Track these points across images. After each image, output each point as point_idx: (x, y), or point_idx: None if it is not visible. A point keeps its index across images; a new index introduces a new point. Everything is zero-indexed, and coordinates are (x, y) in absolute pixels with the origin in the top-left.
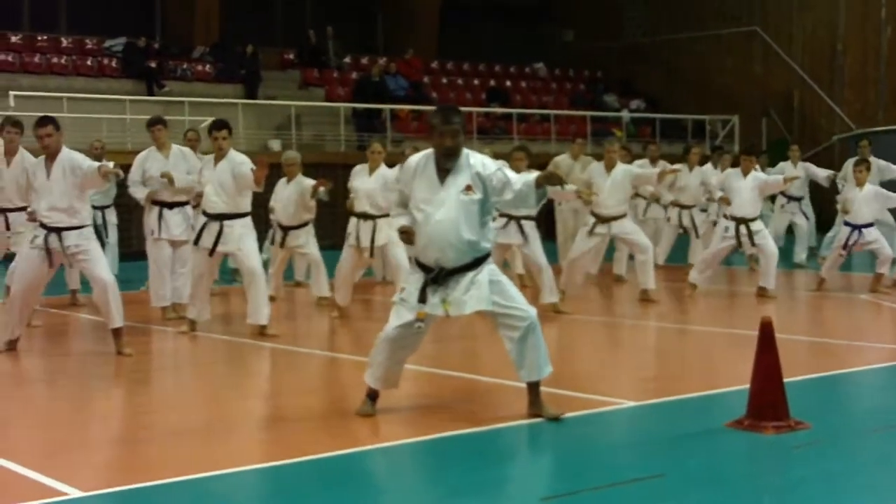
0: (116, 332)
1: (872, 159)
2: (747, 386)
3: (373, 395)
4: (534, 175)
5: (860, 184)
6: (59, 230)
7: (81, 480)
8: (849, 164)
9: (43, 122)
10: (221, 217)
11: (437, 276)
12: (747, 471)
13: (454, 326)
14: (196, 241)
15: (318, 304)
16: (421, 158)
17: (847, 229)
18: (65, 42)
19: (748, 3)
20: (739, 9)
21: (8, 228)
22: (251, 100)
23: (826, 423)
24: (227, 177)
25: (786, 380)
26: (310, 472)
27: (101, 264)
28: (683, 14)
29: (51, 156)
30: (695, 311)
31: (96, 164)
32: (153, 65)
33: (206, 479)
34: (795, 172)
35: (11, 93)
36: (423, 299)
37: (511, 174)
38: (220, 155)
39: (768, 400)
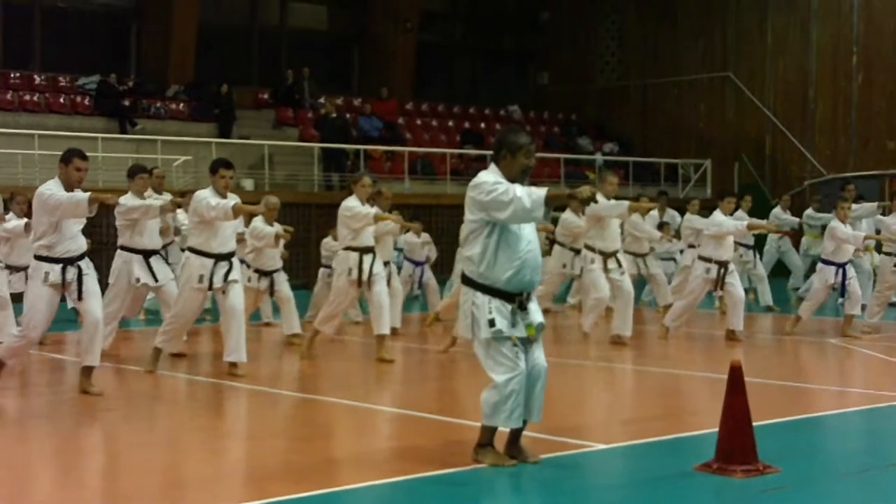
0: (87, 371)
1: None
2: (717, 429)
3: (490, 442)
4: None
5: (843, 219)
6: (73, 260)
7: None
8: (809, 211)
9: (85, 156)
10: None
11: (523, 301)
12: None
13: (432, 367)
14: (210, 282)
15: (289, 343)
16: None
17: (831, 269)
18: (38, 79)
19: (722, 49)
20: (713, 54)
21: None
22: (225, 139)
23: (795, 468)
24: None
25: (755, 423)
26: None
27: (98, 298)
28: (657, 58)
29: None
30: (665, 354)
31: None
32: (126, 103)
33: None
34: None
35: None
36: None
37: None
38: (224, 194)
39: (737, 443)
